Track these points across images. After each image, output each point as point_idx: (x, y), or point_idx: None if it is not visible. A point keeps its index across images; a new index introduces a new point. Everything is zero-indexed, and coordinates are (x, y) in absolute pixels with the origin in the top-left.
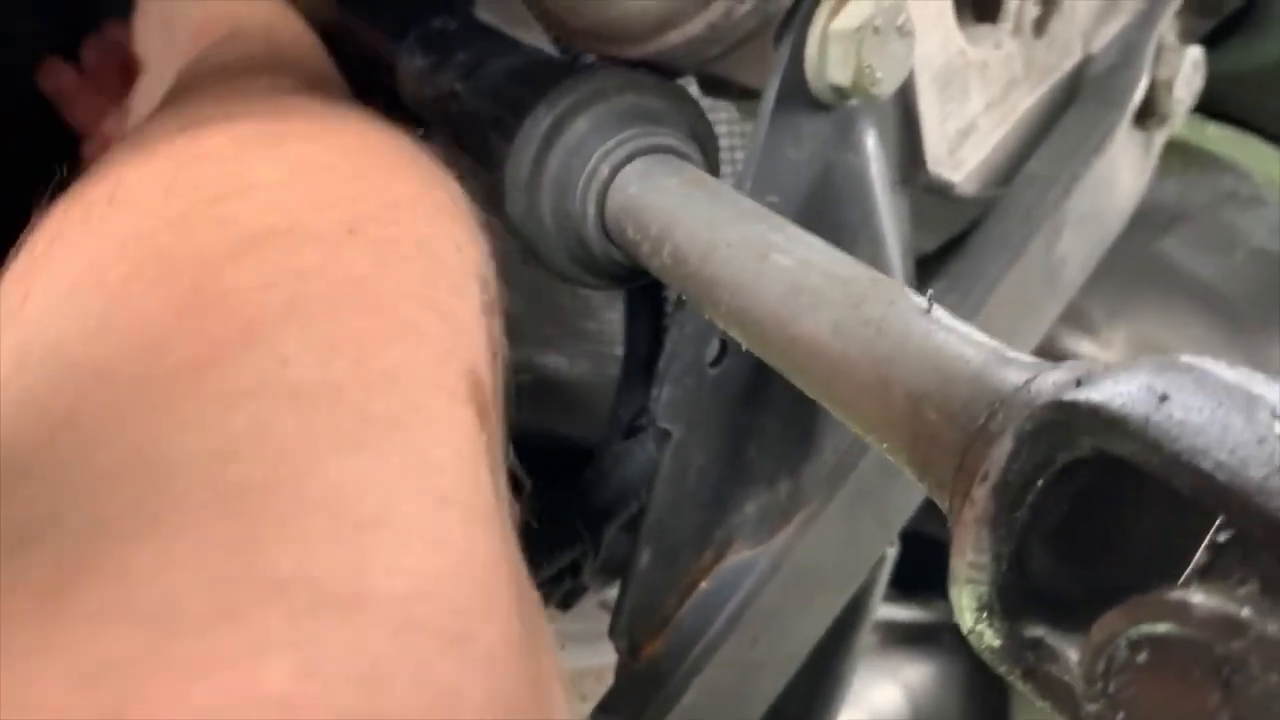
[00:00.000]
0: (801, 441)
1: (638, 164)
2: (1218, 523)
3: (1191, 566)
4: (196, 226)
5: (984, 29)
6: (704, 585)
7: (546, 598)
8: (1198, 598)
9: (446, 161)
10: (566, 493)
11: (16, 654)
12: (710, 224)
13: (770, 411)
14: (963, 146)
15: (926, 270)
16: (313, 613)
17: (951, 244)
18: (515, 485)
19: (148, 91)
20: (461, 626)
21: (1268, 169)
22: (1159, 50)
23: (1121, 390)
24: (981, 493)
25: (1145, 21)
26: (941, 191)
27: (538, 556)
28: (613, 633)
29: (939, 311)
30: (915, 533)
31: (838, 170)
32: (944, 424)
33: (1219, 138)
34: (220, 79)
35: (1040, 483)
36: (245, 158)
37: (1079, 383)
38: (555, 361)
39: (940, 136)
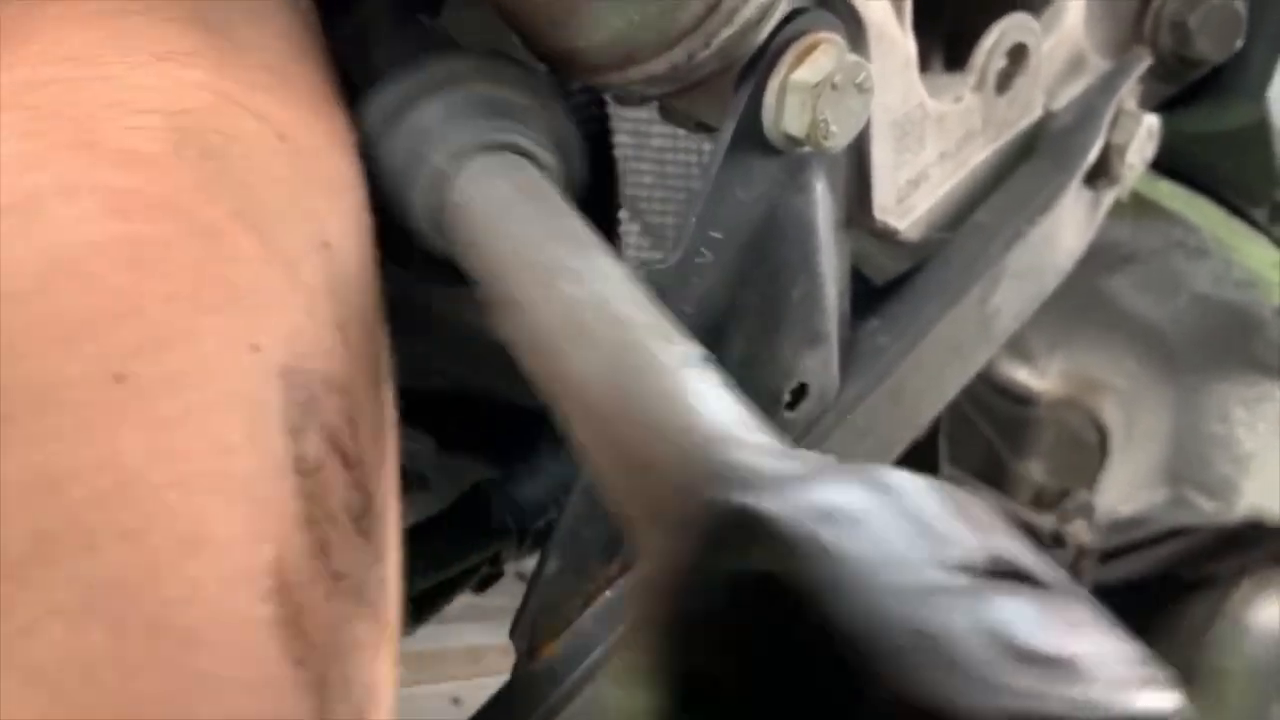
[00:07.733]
0: None
1: (478, 161)
2: None
3: None
4: None
5: (946, 81)
6: (608, 594)
7: (461, 584)
8: None
9: None
10: (495, 481)
11: None
12: (519, 239)
13: None
14: (912, 195)
15: (865, 308)
16: None
17: (892, 283)
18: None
19: None
20: None
21: (1214, 228)
22: (1117, 115)
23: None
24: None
25: (1108, 85)
26: (885, 237)
27: (459, 547)
28: (513, 634)
29: (703, 372)
30: None
31: (784, 211)
32: (660, 491)
33: (1171, 194)
34: None
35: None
36: None
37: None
38: None
39: (891, 185)
